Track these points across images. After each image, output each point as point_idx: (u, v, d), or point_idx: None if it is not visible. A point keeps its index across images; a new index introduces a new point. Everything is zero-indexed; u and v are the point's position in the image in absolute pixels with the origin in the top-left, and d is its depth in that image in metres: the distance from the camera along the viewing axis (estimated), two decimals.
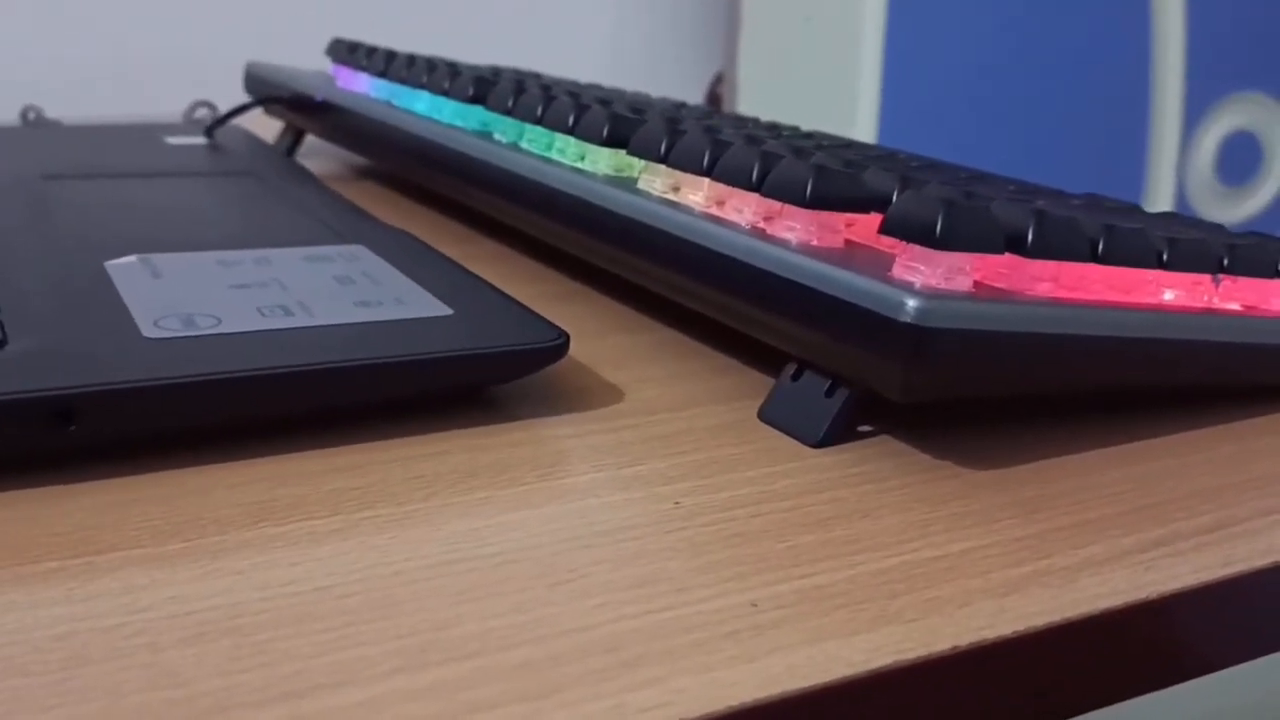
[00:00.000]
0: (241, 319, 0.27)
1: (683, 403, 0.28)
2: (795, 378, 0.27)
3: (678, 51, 1.27)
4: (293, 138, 0.57)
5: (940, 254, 0.24)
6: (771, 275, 0.26)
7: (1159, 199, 1.29)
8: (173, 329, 0.26)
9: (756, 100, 1.22)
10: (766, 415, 0.27)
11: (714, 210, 0.30)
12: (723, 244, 0.28)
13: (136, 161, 0.46)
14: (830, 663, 0.18)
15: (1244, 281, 0.29)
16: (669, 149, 0.31)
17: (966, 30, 1.19)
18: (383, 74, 0.48)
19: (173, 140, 0.51)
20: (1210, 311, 0.28)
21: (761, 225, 0.28)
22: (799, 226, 0.27)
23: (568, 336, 0.28)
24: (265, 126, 0.59)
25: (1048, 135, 1.19)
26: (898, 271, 0.25)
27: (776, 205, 0.28)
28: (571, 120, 0.35)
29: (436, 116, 0.43)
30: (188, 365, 0.24)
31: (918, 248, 0.24)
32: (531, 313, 0.29)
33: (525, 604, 0.19)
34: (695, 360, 0.31)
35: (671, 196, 0.31)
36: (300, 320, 0.27)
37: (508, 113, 0.39)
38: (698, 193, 0.31)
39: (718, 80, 1.25)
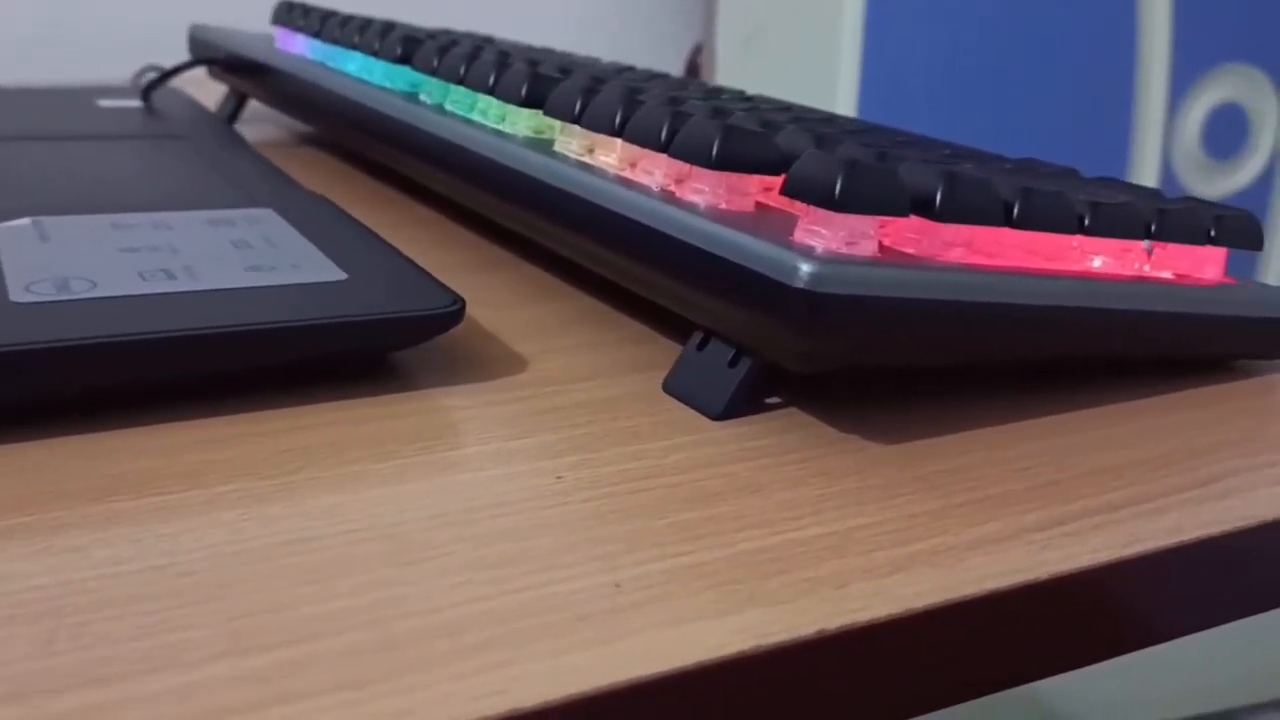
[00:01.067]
0: (119, 283, 0.26)
1: (588, 373, 0.27)
2: (700, 347, 0.26)
3: (656, 22, 1.25)
4: (235, 102, 0.55)
5: (841, 216, 0.23)
6: (672, 239, 0.25)
7: (1144, 172, 1.28)
8: (44, 293, 0.25)
9: (735, 72, 1.21)
10: (670, 386, 0.26)
11: (626, 173, 0.28)
12: (625, 206, 0.26)
13: (62, 124, 0.44)
14: (689, 647, 0.17)
15: (1176, 249, 0.28)
16: (583, 109, 0.30)
17: (947, 6, 1.17)
18: (317, 34, 0.46)
19: (105, 103, 0.49)
20: (1140, 280, 0.27)
21: (671, 188, 0.27)
22: (706, 189, 0.26)
23: (463, 303, 0.26)
24: (216, 92, 0.57)
25: (1032, 107, 1.17)
26: (799, 235, 0.23)
27: (686, 167, 0.27)
28: (492, 80, 0.34)
29: (367, 78, 0.42)
30: (49, 330, 0.23)
31: (819, 210, 0.23)
32: (431, 279, 0.28)
33: (373, 584, 0.18)
34: (610, 329, 0.30)
35: (586, 159, 0.30)
36: (182, 285, 0.26)
37: (433, 73, 0.37)
38: (610, 154, 0.29)
39: (697, 51, 1.23)
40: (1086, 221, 0.26)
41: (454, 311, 0.26)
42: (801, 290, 0.22)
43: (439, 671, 0.16)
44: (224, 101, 0.56)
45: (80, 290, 0.25)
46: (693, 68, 1.24)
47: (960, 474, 0.23)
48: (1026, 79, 1.17)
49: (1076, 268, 0.27)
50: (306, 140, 0.53)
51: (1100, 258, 0.27)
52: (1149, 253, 0.28)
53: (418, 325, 0.26)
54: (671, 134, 0.27)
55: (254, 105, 0.55)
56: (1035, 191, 0.25)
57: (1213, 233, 0.28)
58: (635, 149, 0.28)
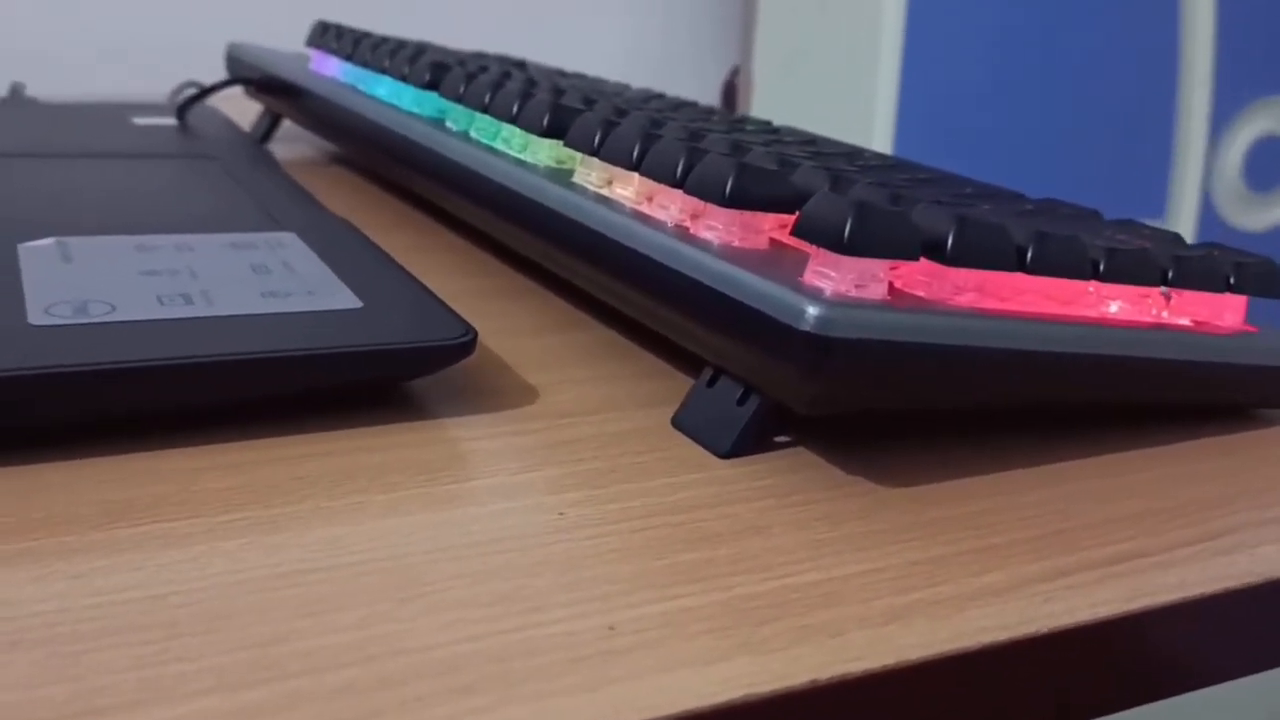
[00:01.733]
0: (138, 307, 0.26)
1: (600, 406, 0.27)
2: (710, 384, 0.26)
3: (694, 46, 1.26)
4: (270, 122, 0.56)
5: (850, 259, 0.23)
6: (682, 276, 0.25)
7: (1184, 205, 1.27)
8: (62, 316, 0.25)
9: (772, 95, 1.21)
10: (679, 422, 0.26)
11: (643, 207, 0.29)
12: (636, 241, 0.26)
13: (95, 142, 0.45)
14: (678, 694, 0.17)
15: (1195, 295, 0.28)
16: (602, 141, 0.30)
17: (988, 28, 1.17)
18: (350, 57, 0.47)
19: (140, 121, 0.50)
20: (1157, 326, 0.27)
21: (686, 224, 0.27)
22: (720, 226, 0.26)
23: (475, 334, 0.26)
24: (252, 111, 0.58)
25: (1071, 136, 1.17)
26: (808, 277, 0.23)
27: (701, 204, 0.27)
28: (515, 109, 0.34)
29: (396, 103, 0.42)
30: (66, 354, 0.23)
31: (828, 252, 0.23)
32: (445, 309, 0.28)
33: (368, 620, 0.18)
34: (626, 362, 0.30)
35: (604, 191, 0.30)
36: (198, 310, 0.26)
37: (459, 100, 0.38)
38: (628, 188, 0.29)
39: (734, 74, 1.23)
40: (1101, 267, 0.26)
41: (465, 343, 0.26)
42: (808, 333, 0.22)
43: (426, 713, 0.16)
44: (259, 121, 0.57)
45: (98, 314, 0.26)
46: (730, 90, 1.25)
47: (966, 520, 0.23)
48: (1066, 108, 1.16)
49: (1092, 313, 0.26)
50: (338, 161, 0.54)
51: (1117, 303, 0.27)
52: (1167, 299, 0.28)
53: (429, 356, 0.26)
54: (687, 170, 0.27)
55: (288, 125, 0.56)
56: (1049, 236, 0.25)
57: (1232, 280, 0.28)
58: (652, 183, 0.28)
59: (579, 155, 0.32)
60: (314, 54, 0.52)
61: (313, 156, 0.54)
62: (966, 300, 0.24)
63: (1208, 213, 1.23)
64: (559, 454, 0.25)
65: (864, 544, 0.22)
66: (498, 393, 0.28)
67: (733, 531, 0.22)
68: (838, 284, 0.23)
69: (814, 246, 0.23)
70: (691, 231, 0.27)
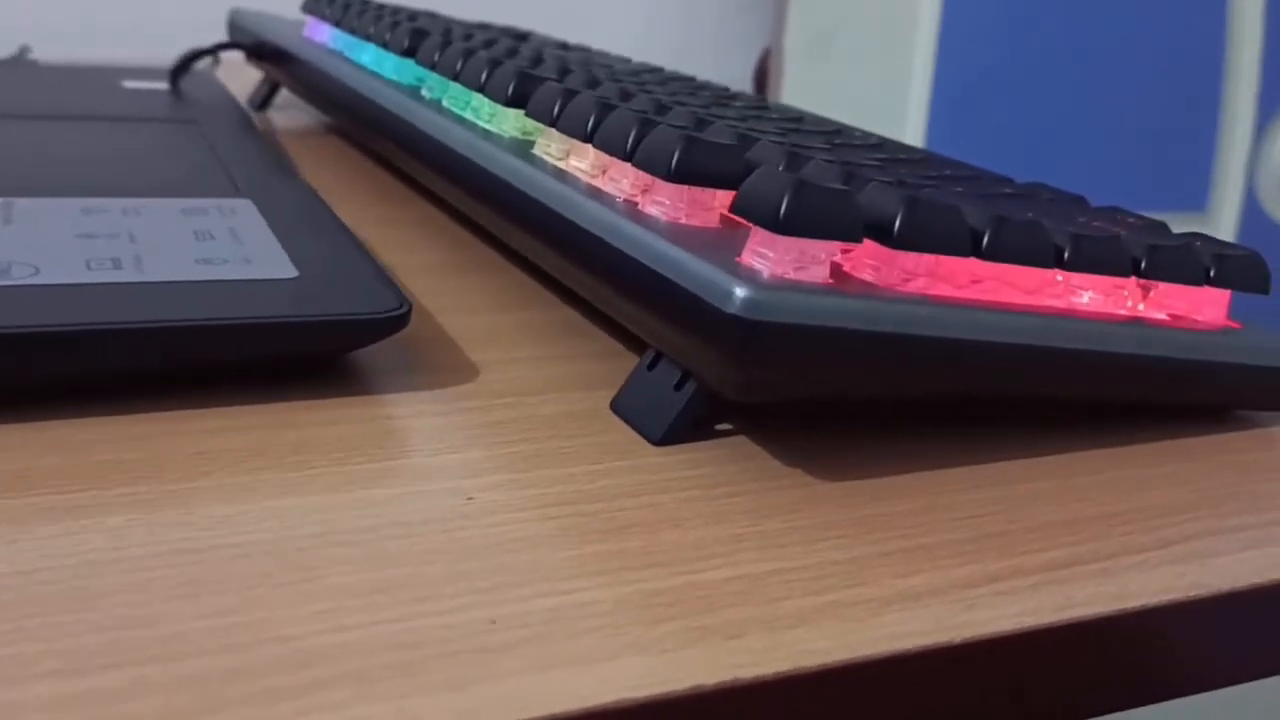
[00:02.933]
0: (62, 270, 0.25)
1: (542, 387, 0.26)
2: (650, 366, 0.25)
3: (722, 28, 1.24)
4: (268, 90, 0.55)
5: (787, 240, 0.22)
6: (619, 253, 0.24)
7: (1227, 200, 1.24)
8: None
9: (803, 79, 1.19)
10: (616, 406, 0.25)
11: (597, 181, 0.27)
12: (580, 215, 0.25)
13: (79, 104, 0.44)
14: (546, 696, 0.16)
15: (1172, 288, 0.26)
16: (560, 112, 0.29)
17: (1029, 11, 1.14)
18: (339, 23, 0.46)
19: (130, 85, 0.49)
20: (1130, 320, 0.25)
21: (636, 198, 0.26)
22: (667, 201, 0.25)
23: (409, 307, 0.25)
24: (256, 78, 0.57)
25: (1112, 126, 1.14)
26: (746, 258, 0.22)
27: (650, 178, 0.25)
28: (484, 77, 0.33)
29: (378, 70, 0.41)
30: None
31: (765, 232, 0.22)
32: (386, 281, 0.27)
33: (238, 605, 0.17)
34: (582, 342, 0.29)
35: (562, 165, 0.29)
36: (125, 275, 0.25)
37: (433, 67, 0.37)
38: (584, 161, 0.28)
39: (765, 56, 1.21)
40: (1067, 255, 0.24)
41: (397, 316, 0.25)
42: (734, 316, 0.20)
43: (270, 708, 0.15)
44: (257, 88, 0.56)
45: (21, 276, 0.25)
46: (761, 73, 1.23)
47: (901, 519, 0.21)
48: (1107, 96, 1.14)
49: (1057, 304, 0.25)
50: (334, 132, 0.53)
51: (1089, 294, 0.26)
52: (1146, 291, 0.26)
53: (356, 329, 0.25)
54: (637, 142, 0.26)
55: (289, 94, 0.55)
56: (1008, 221, 0.23)
57: (1212, 273, 0.26)
58: (606, 157, 0.27)
59: (541, 127, 0.31)
60: (309, 20, 0.51)
61: (310, 125, 0.53)
62: (917, 287, 0.23)
63: (1252, 207, 1.20)
64: (485, 435, 0.24)
65: (786, 540, 0.20)
66: (439, 370, 0.27)
67: (649, 523, 0.21)
68: (775, 265, 0.22)
69: (753, 225, 0.22)
70: (640, 207, 0.25)
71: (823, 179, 0.22)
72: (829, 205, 0.22)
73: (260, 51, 0.50)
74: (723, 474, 0.23)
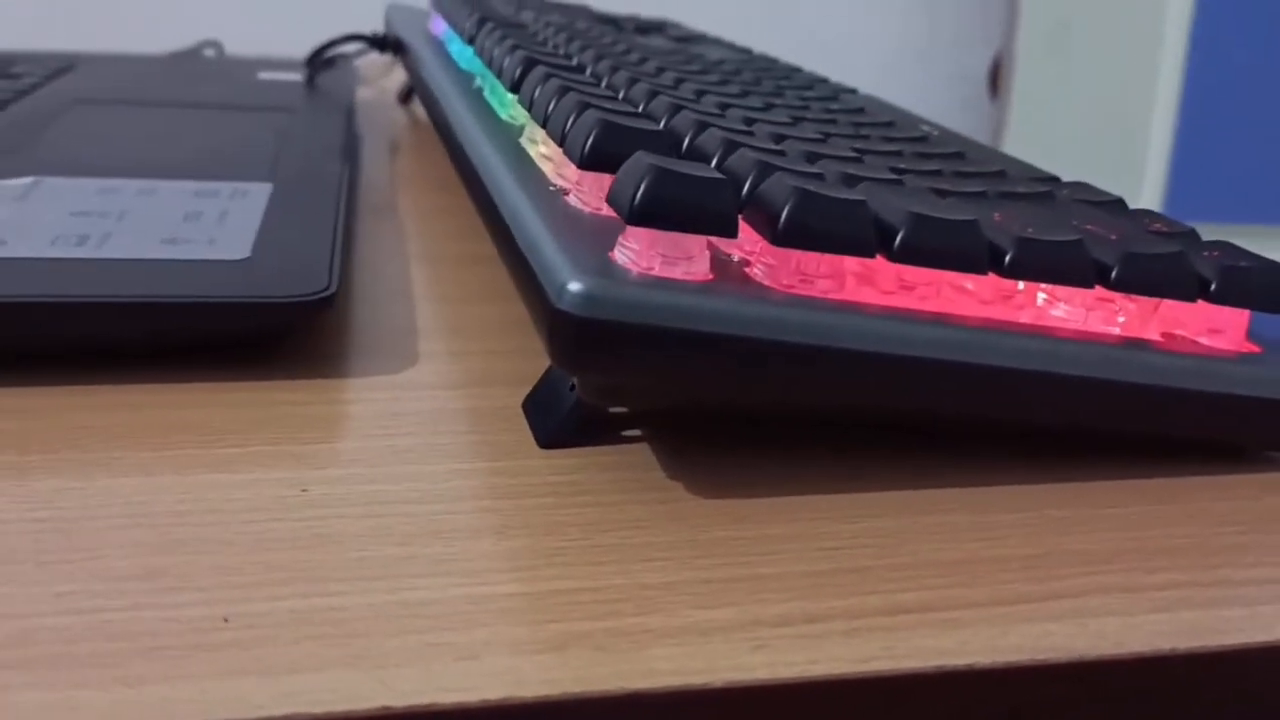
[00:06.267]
0: (26, 245, 0.26)
1: (469, 381, 0.25)
2: None
3: (956, 28, 1.18)
4: (410, 84, 0.56)
5: (650, 233, 0.20)
6: (510, 236, 0.22)
7: None
8: None
9: (1038, 75, 1.12)
10: (525, 404, 0.24)
11: (554, 172, 0.26)
12: (501, 196, 0.24)
13: (199, 94, 0.46)
14: (216, 704, 0.15)
15: (1179, 306, 0.23)
16: (531, 99, 0.28)
17: None
18: (446, 15, 0.46)
19: (265, 75, 0.52)
20: (1094, 339, 0.22)
21: (569, 189, 0.25)
22: (585, 189, 0.23)
23: (332, 292, 0.25)
24: None
25: None
26: (615, 251, 0.20)
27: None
28: (502, 63, 0.32)
29: (457, 60, 0.41)
30: None
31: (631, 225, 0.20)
32: (328, 265, 0.26)
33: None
34: None
35: (533, 152, 0.28)
36: (83, 251, 0.26)
37: (481, 55, 0.36)
38: (549, 149, 0.27)
39: (997, 62, 1.15)
40: (1008, 259, 0.21)
41: (318, 300, 0.25)
42: (560, 312, 0.19)
43: None
44: (406, 83, 0.57)
45: None
46: (994, 78, 1.17)
47: (755, 544, 0.19)
48: None
49: (1016, 317, 0.22)
50: None
51: (1063, 306, 0.22)
52: (1151, 309, 0.23)
53: (277, 310, 0.25)
54: (564, 129, 0.24)
55: None
56: (926, 219, 0.21)
57: (1213, 287, 0.22)
58: (555, 147, 0.26)
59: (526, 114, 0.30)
60: (432, 15, 0.52)
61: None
62: (817, 289, 0.21)
63: None
64: (371, 426, 0.23)
65: (607, 558, 0.19)
66: (376, 357, 0.26)
67: (472, 529, 0.19)
68: (637, 260, 0.20)
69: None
70: (566, 196, 0.24)
71: (697, 169, 0.20)
72: (698, 195, 0.20)
73: (383, 44, 0.50)
74: (592, 482, 0.21)
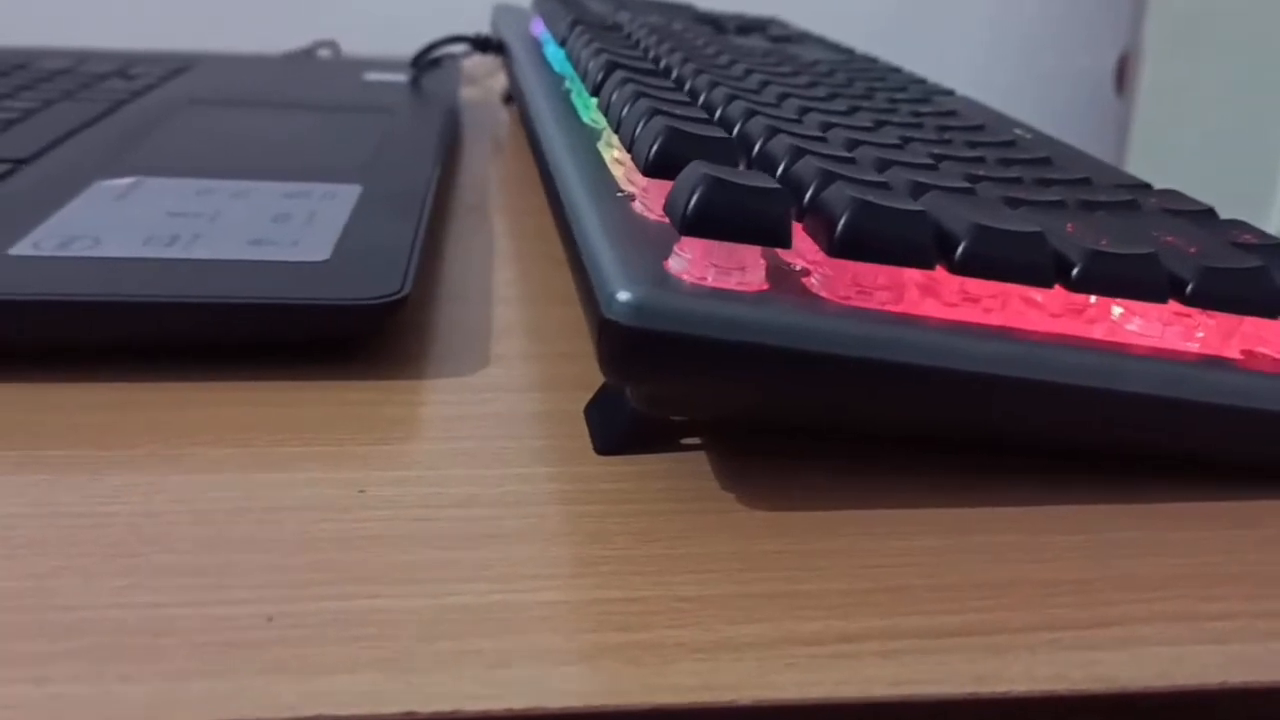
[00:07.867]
0: (120, 245, 0.27)
1: (537, 384, 0.26)
2: None
3: (1083, 22, 1.15)
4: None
5: (704, 242, 0.20)
6: (575, 246, 0.23)
7: None
8: (45, 249, 0.27)
9: (1167, 73, 1.08)
10: (587, 409, 0.24)
11: (624, 178, 0.26)
12: (570, 206, 0.24)
13: (305, 94, 0.48)
14: (248, 703, 0.15)
15: (1264, 323, 0.22)
16: (609, 104, 0.28)
17: None
18: (545, 16, 0.47)
19: (371, 77, 0.53)
20: (1172, 356, 0.21)
21: (639, 193, 0.25)
22: (649, 195, 0.23)
23: (404, 296, 0.25)
24: None
25: None
26: (671, 260, 0.20)
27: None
28: (585, 66, 0.33)
29: (552, 63, 0.41)
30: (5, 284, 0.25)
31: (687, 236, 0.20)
32: (406, 267, 0.27)
33: (58, 570, 0.18)
34: None
35: (608, 156, 0.28)
36: (174, 251, 0.27)
37: (570, 58, 0.37)
38: (621, 154, 0.27)
39: (1124, 58, 1.12)
40: (1075, 273, 0.21)
41: (388, 303, 0.25)
42: (609, 321, 0.19)
43: (10, 671, 0.16)
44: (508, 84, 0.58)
45: (79, 249, 0.27)
46: (1121, 74, 1.13)
47: (798, 559, 0.19)
48: None
49: (1089, 332, 0.21)
50: None
51: (1138, 321, 0.22)
52: (1233, 325, 0.22)
53: (348, 313, 0.25)
54: (632, 136, 0.24)
55: None
56: (989, 230, 0.20)
57: None
58: (623, 152, 0.26)
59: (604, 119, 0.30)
60: (533, 17, 0.52)
61: None
62: (875, 301, 0.20)
63: None
64: (436, 429, 0.23)
65: (648, 569, 0.19)
66: (450, 358, 0.27)
67: (516, 535, 0.20)
68: (690, 270, 0.20)
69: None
70: (632, 203, 0.24)
71: (752, 178, 0.20)
72: (748, 205, 0.19)
73: (485, 45, 0.51)
74: (643, 491, 0.21)
